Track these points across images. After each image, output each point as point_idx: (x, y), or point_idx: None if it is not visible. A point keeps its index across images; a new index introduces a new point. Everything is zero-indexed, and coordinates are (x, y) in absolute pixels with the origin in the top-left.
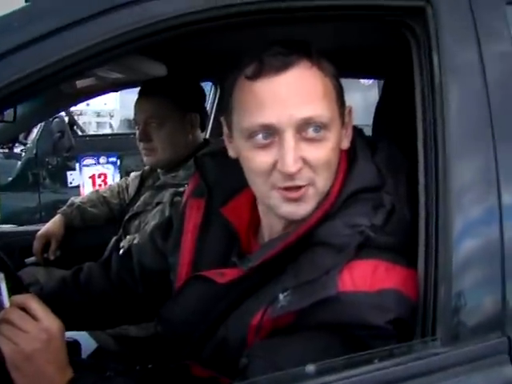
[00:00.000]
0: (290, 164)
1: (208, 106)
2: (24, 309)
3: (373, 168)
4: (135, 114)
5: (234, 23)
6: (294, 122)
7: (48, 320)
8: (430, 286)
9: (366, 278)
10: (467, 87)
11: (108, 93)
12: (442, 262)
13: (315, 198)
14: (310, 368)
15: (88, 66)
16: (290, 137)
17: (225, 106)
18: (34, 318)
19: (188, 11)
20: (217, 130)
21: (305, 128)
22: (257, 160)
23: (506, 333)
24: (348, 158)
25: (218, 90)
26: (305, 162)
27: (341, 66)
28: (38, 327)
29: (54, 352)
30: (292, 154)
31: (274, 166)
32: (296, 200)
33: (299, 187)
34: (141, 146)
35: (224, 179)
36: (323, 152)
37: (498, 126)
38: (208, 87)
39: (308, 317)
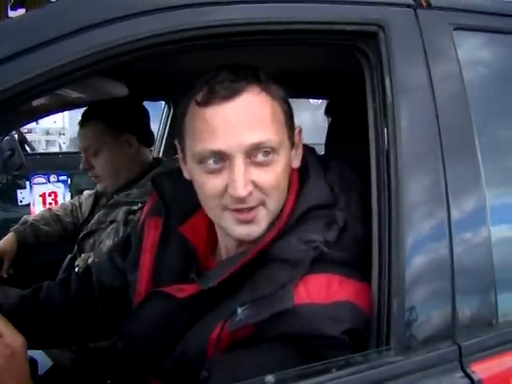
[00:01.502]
0: (240, 188)
1: (161, 124)
2: None
3: (325, 186)
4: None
5: (189, 47)
6: (243, 148)
7: (11, 335)
8: (384, 299)
9: (320, 290)
10: (417, 107)
11: (65, 111)
12: (394, 277)
13: (267, 219)
14: (269, 378)
15: (48, 89)
16: (239, 162)
17: (178, 130)
18: None
19: (149, 34)
20: (170, 149)
21: (254, 153)
22: (208, 184)
23: (457, 341)
24: (300, 177)
25: (171, 110)
26: (255, 185)
27: (291, 87)
28: (0, 343)
29: (18, 368)
30: (242, 178)
31: (225, 189)
32: (248, 222)
33: (250, 208)
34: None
35: (181, 198)
36: (273, 175)
37: (447, 144)
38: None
39: (266, 329)
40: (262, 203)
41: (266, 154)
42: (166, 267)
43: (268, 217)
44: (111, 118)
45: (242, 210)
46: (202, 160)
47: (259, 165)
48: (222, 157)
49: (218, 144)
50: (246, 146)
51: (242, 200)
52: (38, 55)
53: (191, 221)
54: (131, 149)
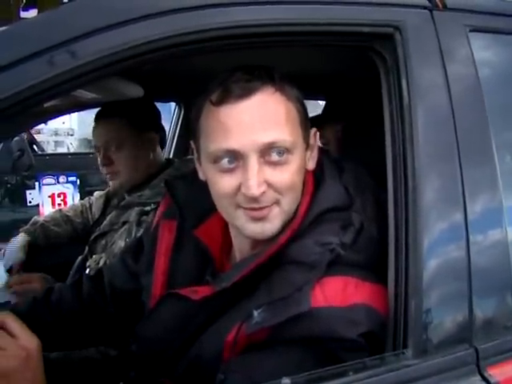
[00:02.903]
0: (254, 188)
1: (172, 125)
2: (1, 326)
3: (341, 188)
4: (94, 140)
5: (204, 47)
6: (257, 147)
7: (26, 337)
8: (401, 301)
9: (337, 293)
10: (434, 109)
11: (77, 111)
12: (411, 279)
13: (280, 217)
14: (286, 381)
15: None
16: (253, 161)
17: (193, 131)
18: (11, 335)
19: (167, 35)
20: (180, 150)
21: (268, 152)
22: (222, 183)
23: (474, 344)
24: (315, 179)
25: (182, 111)
26: (269, 184)
27: (303, 88)
28: (15, 345)
29: (32, 370)
30: (256, 178)
31: (239, 188)
32: (261, 219)
33: (263, 207)
34: (104, 170)
35: (195, 201)
36: (287, 175)
37: (463, 145)
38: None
39: (282, 332)
40: (277, 202)
41: (280, 153)
42: (180, 270)
43: (282, 216)
44: (136, 117)
45: (255, 208)
46: (216, 159)
47: (273, 164)
48: (235, 156)
49: (232, 143)
50: (259, 145)
51: (255, 199)
52: (47, 58)
53: (206, 224)
54: (152, 147)
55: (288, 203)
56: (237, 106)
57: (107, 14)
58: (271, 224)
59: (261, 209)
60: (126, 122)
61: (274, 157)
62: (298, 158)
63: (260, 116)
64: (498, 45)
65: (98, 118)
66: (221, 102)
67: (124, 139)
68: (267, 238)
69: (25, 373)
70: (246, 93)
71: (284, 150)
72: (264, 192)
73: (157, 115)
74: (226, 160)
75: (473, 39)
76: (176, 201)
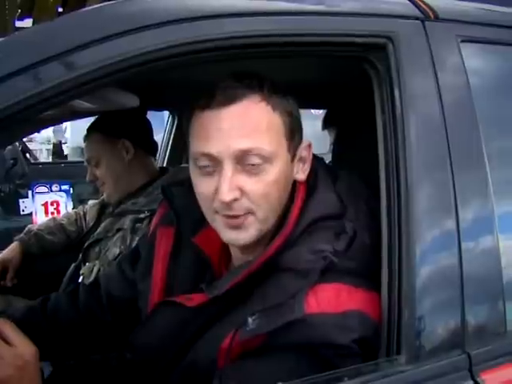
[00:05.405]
0: (225, 193)
1: (165, 134)
2: None
3: (334, 196)
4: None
5: (197, 59)
6: (232, 153)
7: (23, 346)
8: (394, 307)
9: (330, 300)
10: (426, 118)
11: (71, 120)
12: (404, 285)
13: (256, 227)
14: None
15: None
16: (227, 167)
17: (186, 134)
18: (8, 343)
19: (166, 45)
20: (174, 159)
21: (244, 159)
22: (201, 186)
23: (466, 350)
24: (309, 187)
25: (176, 120)
26: (243, 192)
27: (301, 97)
28: (12, 353)
29: (29, 378)
30: (228, 183)
31: (216, 193)
32: (236, 227)
33: (237, 216)
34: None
35: (193, 207)
36: (261, 184)
37: (455, 154)
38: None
39: (276, 338)
40: (251, 212)
41: (257, 162)
42: (179, 277)
43: (257, 225)
44: (107, 127)
45: (229, 215)
46: (196, 161)
47: (248, 172)
48: (213, 161)
49: (210, 147)
50: (235, 151)
51: (228, 206)
52: (43, 70)
53: (204, 231)
54: (128, 155)
55: (263, 213)
56: (218, 112)
57: (101, 27)
58: (246, 233)
59: (235, 217)
60: (100, 134)
61: (250, 165)
62: (279, 168)
63: (238, 123)
64: (489, 55)
65: (84, 137)
66: (205, 107)
67: (101, 154)
68: (243, 246)
69: (22, 381)
70: (229, 100)
71: (261, 159)
72: (237, 199)
73: (130, 122)
74: (204, 163)
75: (464, 49)
76: (173, 207)
